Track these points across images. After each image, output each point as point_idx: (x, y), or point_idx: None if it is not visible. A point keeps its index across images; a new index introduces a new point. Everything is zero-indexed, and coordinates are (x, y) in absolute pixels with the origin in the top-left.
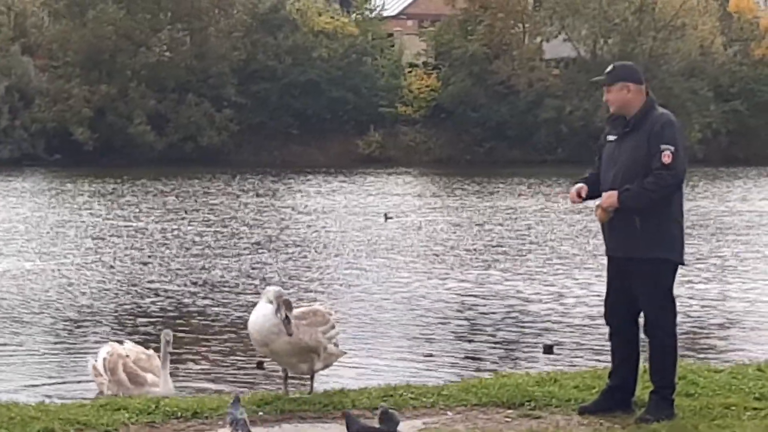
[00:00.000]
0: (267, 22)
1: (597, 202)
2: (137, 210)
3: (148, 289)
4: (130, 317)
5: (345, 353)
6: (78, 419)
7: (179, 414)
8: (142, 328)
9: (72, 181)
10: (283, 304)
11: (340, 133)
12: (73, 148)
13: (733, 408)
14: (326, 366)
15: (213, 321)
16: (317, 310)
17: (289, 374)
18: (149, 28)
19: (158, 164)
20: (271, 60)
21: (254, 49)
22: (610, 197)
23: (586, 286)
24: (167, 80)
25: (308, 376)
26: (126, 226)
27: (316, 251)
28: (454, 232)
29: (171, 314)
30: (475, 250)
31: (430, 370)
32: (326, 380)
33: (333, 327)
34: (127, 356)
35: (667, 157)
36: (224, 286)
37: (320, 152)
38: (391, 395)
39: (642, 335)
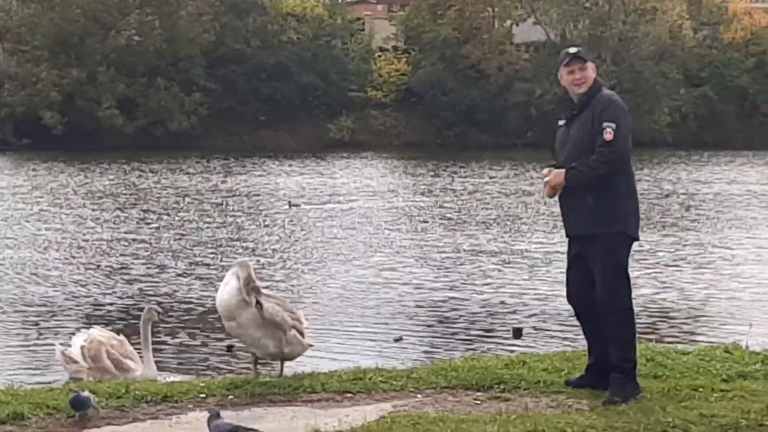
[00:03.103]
0: (236, 6)
1: (546, 179)
2: (72, 195)
3: (74, 279)
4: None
5: (311, 346)
6: (47, 403)
7: (149, 398)
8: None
9: (19, 166)
10: (252, 291)
11: (311, 117)
12: (42, 132)
13: (701, 389)
14: (292, 356)
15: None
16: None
17: (259, 358)
18: (118, 11)
19: (127, 149)
20: (239, 43)
21: (223, 32)
22: (557, 176)
23: (556, 270)
24: (137, 64)
25: (277, 362)
26: (56, 212)
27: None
28: (385, 217)
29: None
30: (436, 232)
31: (400, 352)
32: (296, 364)
33: (299, 320)
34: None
35: (608, 134)
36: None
37: (291, 137)
38: (361, 378)
39: None
